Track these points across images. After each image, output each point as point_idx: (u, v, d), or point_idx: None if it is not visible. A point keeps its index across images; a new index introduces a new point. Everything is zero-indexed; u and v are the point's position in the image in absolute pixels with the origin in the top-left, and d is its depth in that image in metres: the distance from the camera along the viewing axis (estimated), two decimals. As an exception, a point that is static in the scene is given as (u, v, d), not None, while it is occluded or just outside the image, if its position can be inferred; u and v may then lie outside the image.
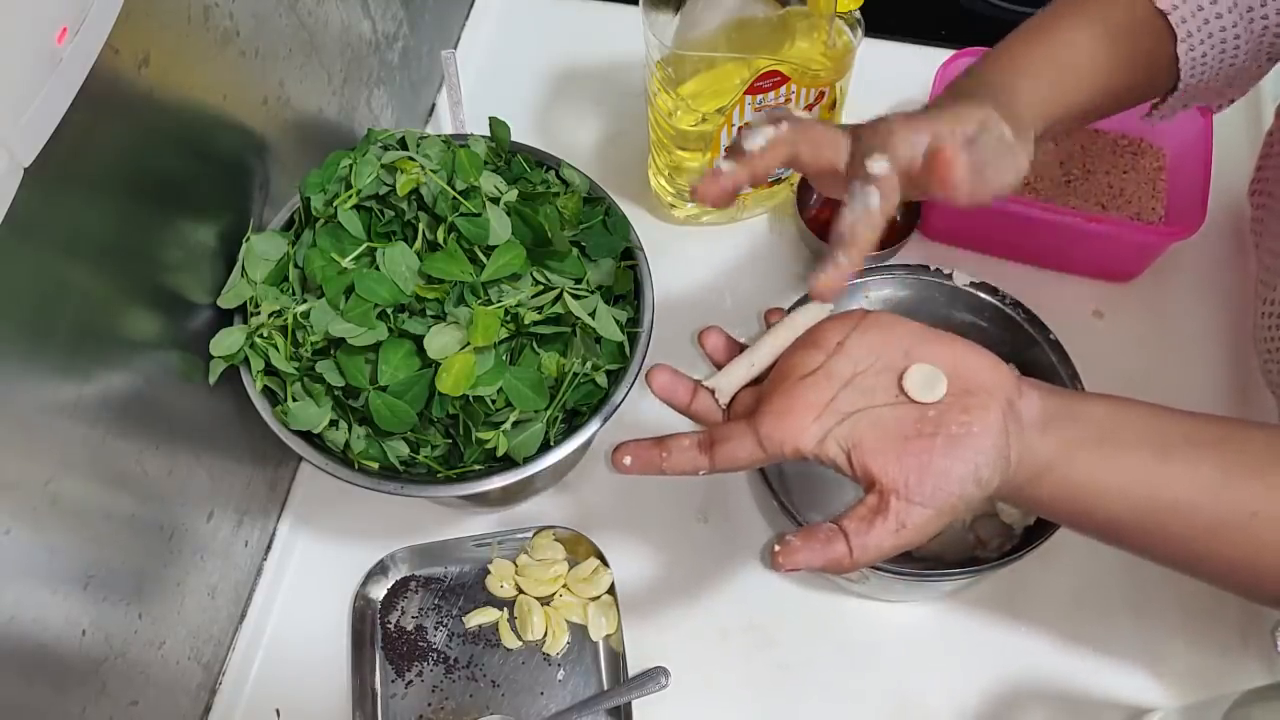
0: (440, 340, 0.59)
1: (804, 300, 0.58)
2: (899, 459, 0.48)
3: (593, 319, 0.63)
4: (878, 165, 0.51)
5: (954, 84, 0.60)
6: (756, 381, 0.55)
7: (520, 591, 0.74)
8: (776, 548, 0.50)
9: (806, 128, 0.55)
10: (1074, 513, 0.51)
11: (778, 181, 0.85)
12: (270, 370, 0.63)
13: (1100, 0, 0.61)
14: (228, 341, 0.62)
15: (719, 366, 0.56)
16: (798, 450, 0.50)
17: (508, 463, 0.63)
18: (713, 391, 0.55)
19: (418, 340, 0.60)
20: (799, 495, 0.76)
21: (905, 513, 0.48)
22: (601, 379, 0.64)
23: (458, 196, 0.63)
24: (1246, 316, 0.83)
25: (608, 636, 0.72)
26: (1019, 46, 0.61)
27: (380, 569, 0.74)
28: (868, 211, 0.51)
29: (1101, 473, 0.49)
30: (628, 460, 0.53)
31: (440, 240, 0.63)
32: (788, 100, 0.76)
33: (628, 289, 0.69)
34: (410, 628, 0.73)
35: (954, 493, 0.48)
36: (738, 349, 0.57)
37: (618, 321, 0.65)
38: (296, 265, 0.64)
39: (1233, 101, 0.70)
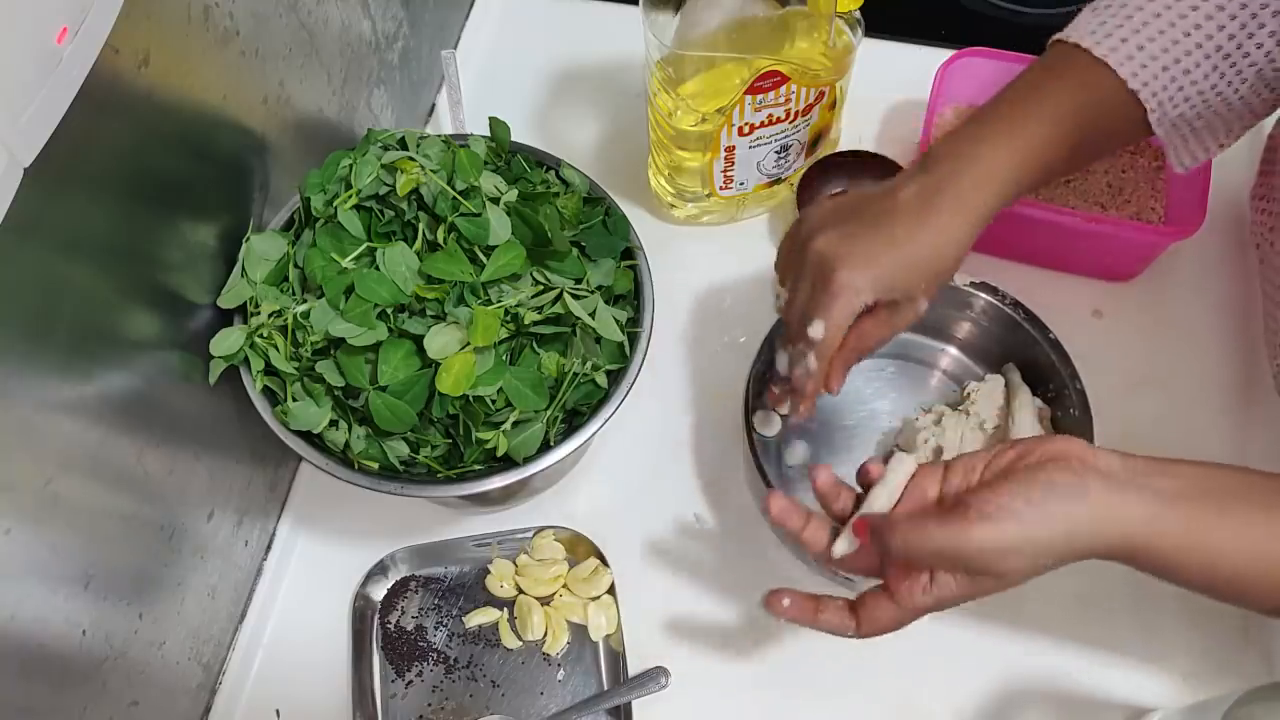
0: (440, 340, 0.59)
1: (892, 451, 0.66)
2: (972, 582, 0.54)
3: (593, 319, 0.63)
4: (813, 330, 0.59)
5: (931, 150, 0.61)
6: None
7: (520, 591, 0.74)
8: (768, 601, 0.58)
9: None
10: (1185, 565, 0.52)
11: (778, 181, 0.85)
12: (270, 370, 0.63)
13: (1072, 78, 0.60)
14: (228, 341, 0.62)
15: (829, 505, 0.59)
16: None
17: (508, 463, 0.63)
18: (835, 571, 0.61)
19: (418, 340, 0.60)
20: (799, 495, 0.76)
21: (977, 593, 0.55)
22: (601, 379, 0.64)
23: (458, 196, 0.63)
24: (1246, 316, 0.83)
25: (608, 636, 0.73)
26: (993, 118, 0.61)
27: (380, 569, 0.74)
28: (807, 371, 0.60)
29: (1208, 525, 0.50)
30: (785, 603, 0.57)
31: (440, 240, 0.63)
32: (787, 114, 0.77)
33: (628, 289, 0.69)
34: (410, 628, 0.74)
35: (1011, 569, 0.53)
36: (842, 490, 0.59)
37: (618, 321, 0.65)
38: (296, 265, 0.64)
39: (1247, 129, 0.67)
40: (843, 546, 0.56)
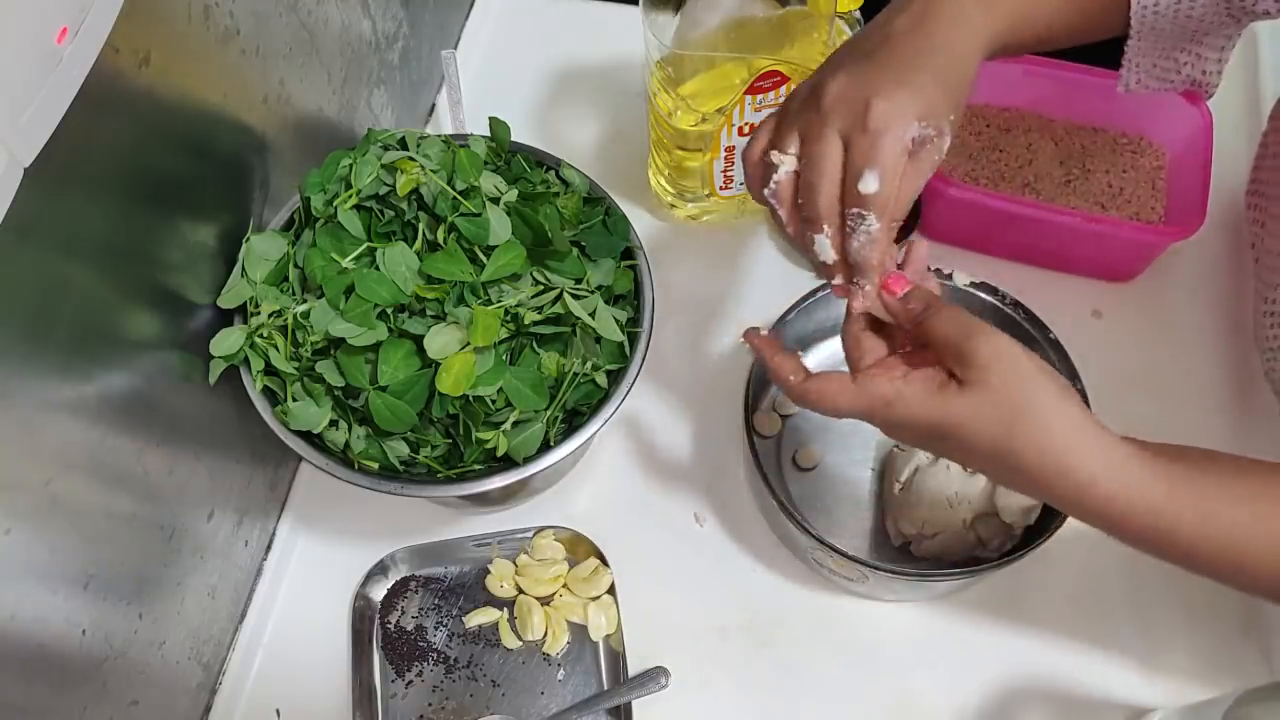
0: (440, 340, 0.59)
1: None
2: None
3: (593, 319, 0.63)
4: (869, 183, 0.50)
5: (892, 23, 0.55)
6: None
7: (520, 591, 0.74)
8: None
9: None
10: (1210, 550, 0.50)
11: (778, 181, 0.85)
12: (270, 370, 0.63)
13: None
14: (228, 341, 0.62)
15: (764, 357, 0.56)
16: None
17: (508, 463, 0.63)
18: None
19: (418, 340, 0.60)
20: (799, 495, 0.76)
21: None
22: (601, 379, 0.64)
23: (458, 196, 0.63)
24: (1246, 316, 0.83)
25: (608, 636, 0.72)
26: None
27: (380, 569, 0.74)
28: (871, 237, 0.51)
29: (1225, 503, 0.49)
30: (761, 332, 0.57)
31: (440, 240, 0.63)
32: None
33: (628, 289, 0.69)
34: (410, 628, 0.73)
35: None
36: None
37: (618, 321, 0.65)
38: (296, 265, 0.64)
39: (1210, 76, 0.67)
40: (824, 249, 0.52)
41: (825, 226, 0.52)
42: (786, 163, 0.53)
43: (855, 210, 0.51)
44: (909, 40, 0.52)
